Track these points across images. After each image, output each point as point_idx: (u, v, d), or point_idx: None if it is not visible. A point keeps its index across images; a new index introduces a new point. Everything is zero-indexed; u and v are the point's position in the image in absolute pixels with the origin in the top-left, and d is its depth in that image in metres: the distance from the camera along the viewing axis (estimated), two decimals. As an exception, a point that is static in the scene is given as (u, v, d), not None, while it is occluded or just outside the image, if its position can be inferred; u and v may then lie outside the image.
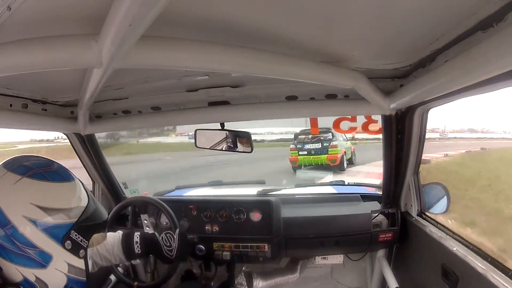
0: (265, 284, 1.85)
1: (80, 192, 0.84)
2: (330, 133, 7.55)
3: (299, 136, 7.81)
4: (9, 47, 0.77)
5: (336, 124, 1.57)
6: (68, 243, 0.78)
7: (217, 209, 1.80)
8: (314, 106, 1.45)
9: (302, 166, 7.43)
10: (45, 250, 0.75)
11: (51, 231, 0.76)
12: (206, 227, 1.79)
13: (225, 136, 1.57)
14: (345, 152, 7.76)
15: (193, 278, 1.96)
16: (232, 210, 1.79)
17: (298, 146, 7.68)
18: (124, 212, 1.84)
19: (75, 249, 0.80)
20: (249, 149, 1.57)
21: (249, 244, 1.72)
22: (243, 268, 1.83)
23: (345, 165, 7.63)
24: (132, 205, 1.84)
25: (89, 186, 1.99)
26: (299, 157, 7.51)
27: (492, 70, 0.72)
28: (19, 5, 0.63)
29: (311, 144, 7.47)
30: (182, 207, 1.83)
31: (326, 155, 7.40)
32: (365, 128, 1.56)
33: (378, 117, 1.49)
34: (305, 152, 7.43)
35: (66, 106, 1.51)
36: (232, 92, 1.41)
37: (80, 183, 0.87)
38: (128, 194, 2.12)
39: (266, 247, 1.71)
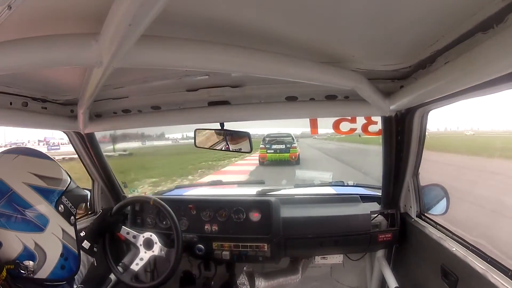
0: (267, 284, 1.85)
1: (63, 170, 0.95)
2: (291, 137, 10.22)
3: (267, 139, 10.28)
4: (10, 45, 0.77)
5: (336, 125, 1.57)
6: (61, 207, 0.88)
7: (216, 209, 1.81)
8: (313, 106, 1.45)
9: (269, 161, 9.98)
10: (42, 212, 0.83)
11: (47, 195, 0.85)
12: (206, 227, 1.79)
13: (224, 136, 1.58)
14: (299, 151, 10.37)
15: (192, 279, 1.96)
16: (231, 210, 1.79)
17: (267, 146, 10.16)
18: (124, 211, 1.84)
19: (67, 214, 0.89)
20: (248, 149, 1.58)
21: (248, 244, 1.72)
22: (245, 268, 1.83)
23: (299, 160, 10.23)
24: (133, 204, 1.84)
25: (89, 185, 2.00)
26: (267, 154, 10.07)
27: (493, 72, 0.72)
28: (20, 4, 0.63)
29: (277, 145, 10.02)
30: (181, 206, 1.83)
31: (288, 154, 9.95)
32: (364, 129, 1.56)
33: (378, 118, 1.49)
34: (272, 151, 9.99)
35: (66, 105, 1.51)
36: (232, 92, 1.41)
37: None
38: (128, 193, 2.12)
39: (266, 247, 1.71)
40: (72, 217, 0.91)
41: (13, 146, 0.94)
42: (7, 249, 0.80)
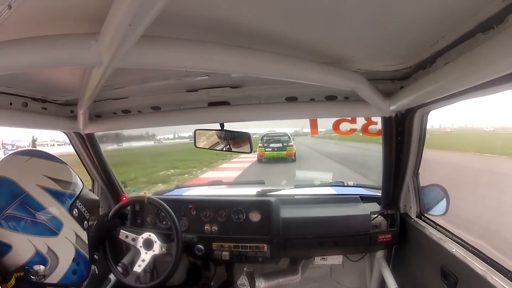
0: (268, 284, 1.84)
1: (75, 174, 0.95)
2: (287, 136, 11.13)
3: (265, 138, 11.12)
4: (10, 46, 0.77)
5: (336, 126, 1.57)
6: (75, 211, 0.87)
7: (216, 209, 1.81)
8: (314, 107, 1.45)
9: (267, 159, 10.88)
10: (57, 216, 0.83)
11: (61, 199, 0.85)
12: (205, 227, 1.79)
13: (224, 136, 1.57)
14: (295, 149, 11.34)
15: (199, 271, 1.96)
16: (231, 210, 1.79)
17: (265, 145, 11.01)
18: (124, 211, 1.84)
19: (81, 219, 0.89)
20: (248, 150, 1.58)
21: (248, 244, 1.72)
22: (245, 268, 1.83)
23: (296, 158, 11.13)
24: (133, 204, 1.84)
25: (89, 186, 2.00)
26: (265, 152, 10.87)
27: (493, 72, 0.71)
28: (20, 4, 0.63)
29: (274, 144, 10.82)
30: (181, 206, 1.83)
31: (285, 151, 10.82)
32: (364, 129, 1.56)
33: (378, 119, 1.49)
34: (270, 149, 10.82)
35: (66, 105, 1.51)
36: (232, 92, 1.41)
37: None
38: (127, 193, 2.12)
39: (265, 247, 1.71)
40: (86, 222, 0.91)
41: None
42: (16, 253, 0.78)
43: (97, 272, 1.44)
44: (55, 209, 0.83)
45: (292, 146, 11.00)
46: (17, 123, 1.39)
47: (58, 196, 0.84)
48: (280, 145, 10.91)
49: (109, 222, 1.72)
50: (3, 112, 1.25)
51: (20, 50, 0.78)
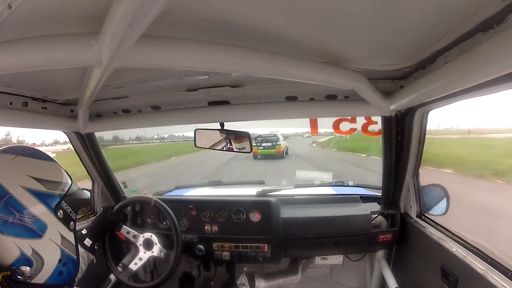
0: (267, 284, 1.84)
1: (64, 172, 0.92)
2: (276, 137, 13.33)
3: (258, 139, 13.23)
4: (10, 45, 0.77)
5: (336, 125, 1.57)
6: (60, 212, 0.85)
7: (216, 209, 1.80)
8: (313, 106, 1.45)
9: (260, 155, 12.94)
10: (41, 218, 0.80)
11: (46, 200, 0.82)
12: (206, 227, 1.79)
13: (224, 136, 1.58)
14: (284, 147, 13.62)
15: (191, 280, 1.96)
16: (231, 210, 1.79)
17: (258, 144, 13.17)
18: (124, 211, 1.84)
19: (66, 220, 0.86)
20: (248, 149, 1.58)
21: (248, 244, 1.72)
22: (245, 268, 1.83)
23: (284, 154, 13.29)
24: (134, 204, 1.84)
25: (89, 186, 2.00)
26: (259, 150, 12.93)
27: (493, 72, 0.71)
28: (20, 4, 0.63)
29: (265, 143, 13.14)
30: (181, 207, 1.83)
31: (274, 149, 13.09)
32: (364, 129, 1.56)
33: (378, 118, 1.49)
34: (262, 148, 13.02)
35: (66, 105, 1.51)
36: (232, 92, 1.41)
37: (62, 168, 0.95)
38: (128, 193, 2.12)
39: (266, 247, 1.71)
40: (72, 223, 0.88)
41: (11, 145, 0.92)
42: (3, 255, 0.77)
43: (95, 261, 1.45)
44: (39, 211, 0.80)
45: (280, 144, 13.11)
46: (17, 123, 1.39)
47: (42, 197, 0.81)
48: (270, 144, 13.22)
49: (113, 216, 1.69)
50: (3, 112, 1.25)
51: (20, 50, 0.78)
